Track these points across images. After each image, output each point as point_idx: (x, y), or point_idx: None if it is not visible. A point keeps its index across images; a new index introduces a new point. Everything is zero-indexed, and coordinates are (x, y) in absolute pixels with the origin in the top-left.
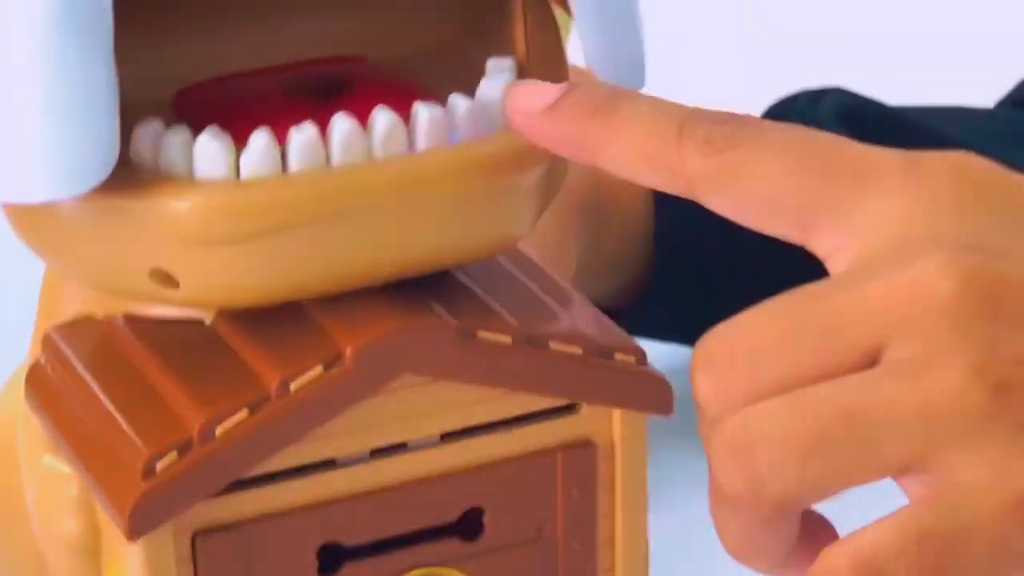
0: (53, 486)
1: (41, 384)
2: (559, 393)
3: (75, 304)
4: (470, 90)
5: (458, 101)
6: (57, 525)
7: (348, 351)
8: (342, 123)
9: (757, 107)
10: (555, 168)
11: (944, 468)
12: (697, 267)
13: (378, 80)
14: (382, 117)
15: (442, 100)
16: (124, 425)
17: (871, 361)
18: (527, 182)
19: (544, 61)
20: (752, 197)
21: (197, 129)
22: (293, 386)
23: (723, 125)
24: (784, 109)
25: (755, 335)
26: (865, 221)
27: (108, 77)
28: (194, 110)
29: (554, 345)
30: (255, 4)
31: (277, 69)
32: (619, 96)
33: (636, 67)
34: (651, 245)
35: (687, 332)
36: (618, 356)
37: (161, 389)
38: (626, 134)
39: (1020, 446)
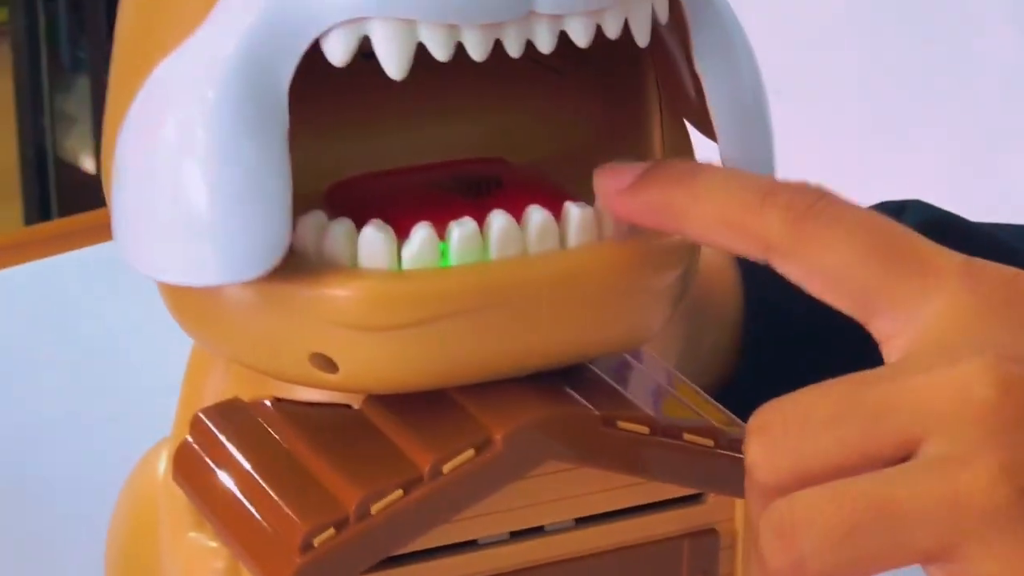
0: (199, 560)
1: (189, 463)
2: (690, 483)
3: (221, 385)
4: None
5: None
6: None
7: (498, 436)
8: (500, 219)
9: None
10: (688, 272)
11: (966, 559)
12: (783, 354)
13: (525, 180)
14: (537, 214)
15: (582, 200)
16: (280, 503)
17: (909, 450)
18: (666, 282)
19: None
20: (822, 269)
21: (353, 221)
22: (445, 468)
23: (804, 194)
24: None
25: (806, 410)
26: (921, 316)
27: (282, 169)
28: (348, 203)
29: (687, 436)
30: (403, 107)
31: (424, 167)
32: (699, 167)
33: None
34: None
35: None
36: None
37: (314, 469)
38: (710, 200)
39: None
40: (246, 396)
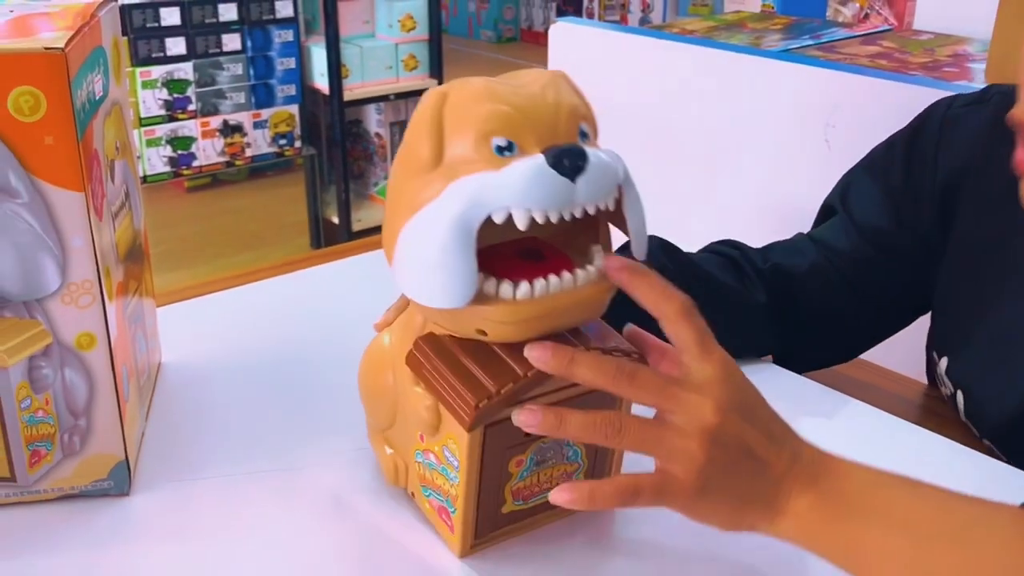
0: (419, 401)
1: (415, 358)
2: None
3: (422, 323)
4: (586, 253)
5: (590, 269)
6: (419, 413)
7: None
8: (554, 279)
9: None
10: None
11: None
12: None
13: (551, 252)
14: (568, 275)
15: (573, 259)
16: (460, 386)
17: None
18: (609, 297)
19: (608, 247)
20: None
21: (488, 273)
22: (530, 373)
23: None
24: None
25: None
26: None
27: (474, 263)
28: (485, 263)
29: (615, 352)
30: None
31: (508, 243)
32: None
33: (644, 248)
34: None
35: None
36: (633, 355)
37: (473, 371)
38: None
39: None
40: (438, 331)
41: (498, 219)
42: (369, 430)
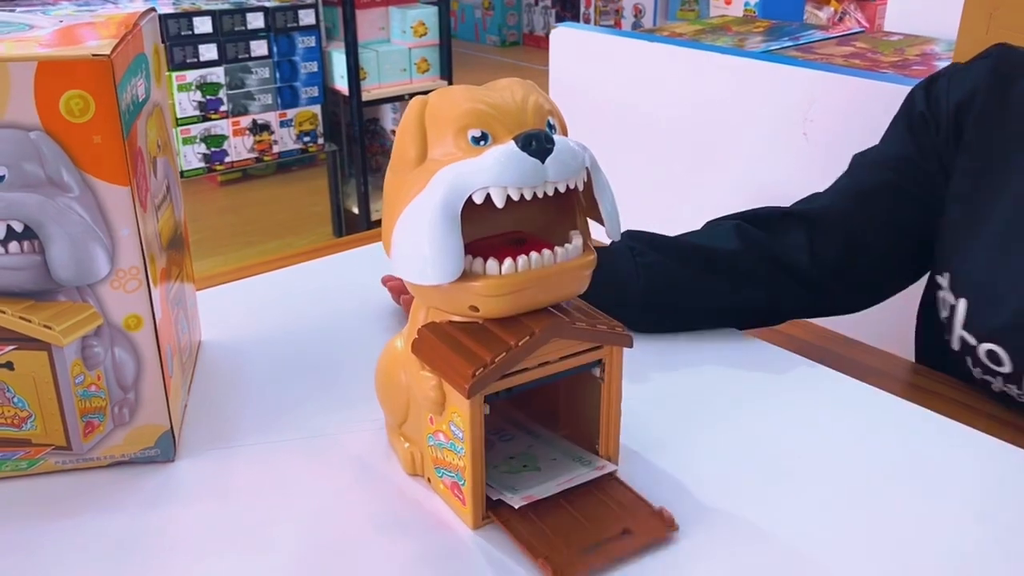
0: (426, 381)
1: (419, 344)
2: (600, 342)
3: (425, 316)
4: (566, 238)
5: (568, 247)
6: (426, 393)
7: (537, 330)
8: (535, 254)
9: None
10: (592, 271)
11: None
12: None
13: (532, 239)
14: (547, 252)
15: (554, 241)
16: (457, 360)
17: None
18: (588, 273)
19: (585, 231)
20: None
21: (477, 256)
22: (520, 343)
23: None
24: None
25: None
26: None
27: (460, 242)
28: (476, 249)
29: (599, 325)
30: (492, 215)
31: (497, 235)
32: None
33: (618, 230)
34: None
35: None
36: (616, 328)
37: (469, 345)
38: None
39: None
40: (438, 319)
41: (478, 199)
42: (388, 429)
